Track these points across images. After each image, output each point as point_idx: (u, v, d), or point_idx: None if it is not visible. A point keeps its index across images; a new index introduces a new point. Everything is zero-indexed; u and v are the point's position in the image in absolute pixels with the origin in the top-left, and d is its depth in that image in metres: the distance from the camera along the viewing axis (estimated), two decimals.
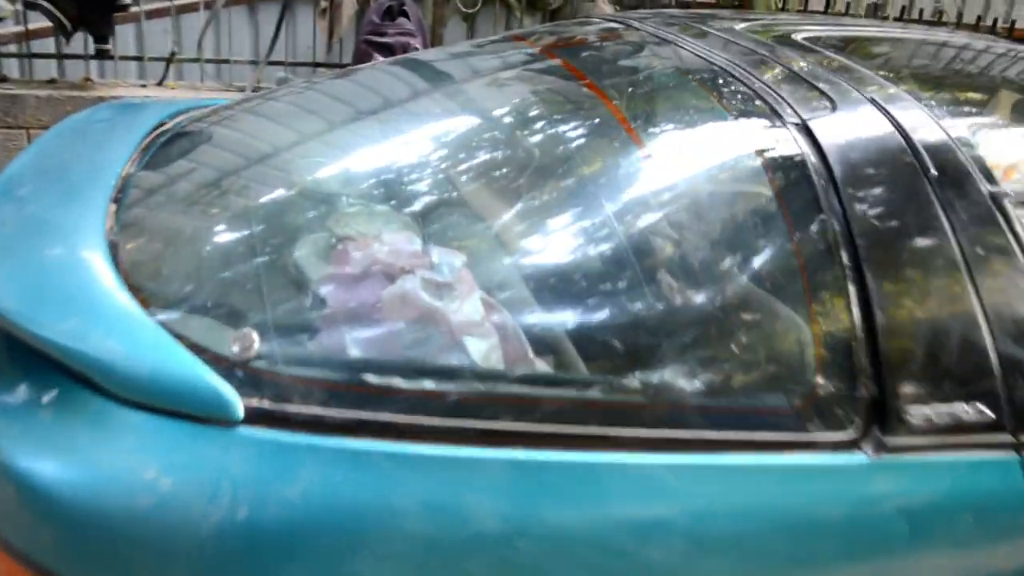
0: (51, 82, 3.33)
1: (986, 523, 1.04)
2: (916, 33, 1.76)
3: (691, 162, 1.13)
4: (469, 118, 1.39)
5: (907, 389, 1.00)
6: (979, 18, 4.18)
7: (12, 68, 3.59)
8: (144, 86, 3.37)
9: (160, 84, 3.40)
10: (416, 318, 0.95)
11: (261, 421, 0.87)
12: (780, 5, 3.42)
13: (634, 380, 0.96)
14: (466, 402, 0.90)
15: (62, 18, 3.16)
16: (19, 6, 3.60)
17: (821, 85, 1.16)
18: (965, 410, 0.99)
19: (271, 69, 3.46)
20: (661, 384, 0.96)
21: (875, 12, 3.92)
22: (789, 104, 1.12)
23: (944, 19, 4.18)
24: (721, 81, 1.21)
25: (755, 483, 0.95)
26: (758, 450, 0.96)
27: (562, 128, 1.23)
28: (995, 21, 4.26)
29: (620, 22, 1.65)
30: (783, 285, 1.04)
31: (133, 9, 3.21)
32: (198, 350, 0.89)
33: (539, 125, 1.27)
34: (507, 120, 1.33)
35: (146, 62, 3.39)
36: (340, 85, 1.61)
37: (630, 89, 1.30)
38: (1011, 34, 4.36)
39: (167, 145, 1.43)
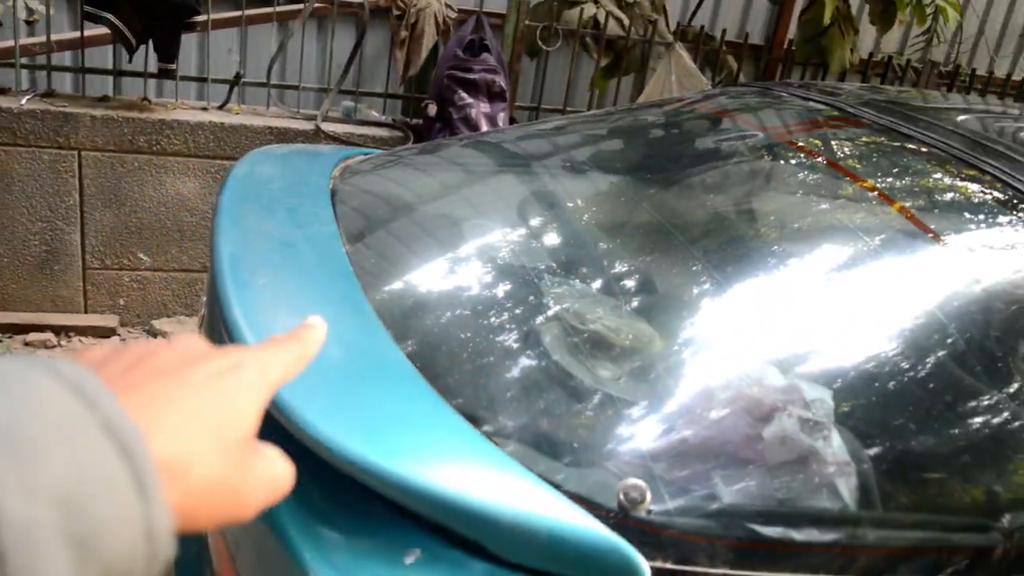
0: (103, 99, 3.15)
1: None
2: None
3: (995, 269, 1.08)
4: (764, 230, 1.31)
5: None
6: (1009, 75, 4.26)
7: (62, 82, 3.40)
8: (205, 109, 3.21)
9: (222, 107, 3.25)
10: (796, 461, 0.87)
11: None
12: (850, 62, 3.43)
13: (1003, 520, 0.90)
14: (861, 553, 0.83)
15: (127, 32, 3.00)
16: (65, 13, 3.41)
17: None
18: None
19: (339, 97, 3.33)
20: None
21: (933, 70, 3.96)
22: None
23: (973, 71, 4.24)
24: (1004, 190, 1.16)
25: None
26: None
27: (859, 239, 1.16)
28: None
29: (821, 101, 1.58)
30: None
31: (199, 18, 3.05)
32: (580, 501, 0.80)
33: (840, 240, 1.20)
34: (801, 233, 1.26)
35: (209, 83, 3.24)
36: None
37: (918, 193, 1.24)
38: None
39: (371, 218, 1.33)
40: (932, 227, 1.15)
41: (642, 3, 3.43)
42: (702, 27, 3.69)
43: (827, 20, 3.05)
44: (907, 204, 1.20)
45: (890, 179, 1.26)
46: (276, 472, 0.41)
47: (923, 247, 1.15)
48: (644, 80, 3.37)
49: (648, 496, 0.81)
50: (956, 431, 0.99)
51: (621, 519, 0.80)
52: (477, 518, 0.75)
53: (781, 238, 1.14)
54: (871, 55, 3.65)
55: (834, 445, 0.90)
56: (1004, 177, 1.20)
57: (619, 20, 3.26)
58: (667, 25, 3.87)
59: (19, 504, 0.26)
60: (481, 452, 0.82)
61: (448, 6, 3.25)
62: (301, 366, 0.45)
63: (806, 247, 1.14)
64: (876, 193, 1.22)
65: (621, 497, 0.81)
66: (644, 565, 0.76)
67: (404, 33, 3.07)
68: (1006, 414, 1.01)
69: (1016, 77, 4.57)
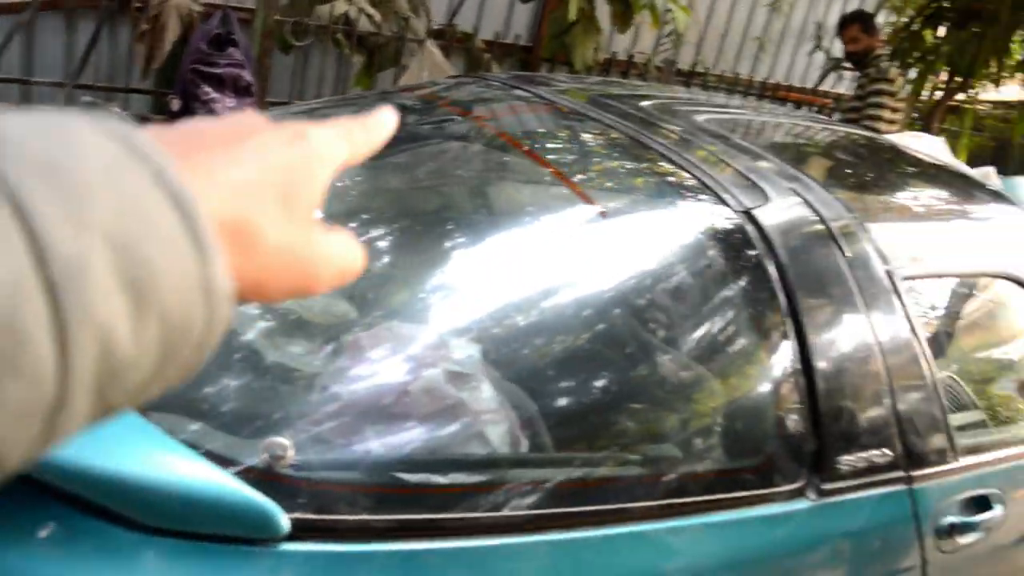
0: None
1: (886, 543, 1.25)
2: (781, 116, 2.02)
3: (658, 249, 1.23)
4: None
5: (838, 442, 1.17)
6: (737, 74, 4.77)
7: None
8: None
9: None
10: (442, 411, 0.95)
11: (307, 534, 0.83)
12: (594, 60, 3.69)
13: (638, 455, 1.04)
14: (503, 491, 0.92)
15: None
16: None
17: (752, 176, 1.31)
18: (875, 455, 1.19)
19: (78, 93, 3.13)
20: (661, 457, 1.04)
21: (670, 68, 4.34)
22: (732, 193, 1.26)
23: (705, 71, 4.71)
24: (668, 165, 1.33)
25: (732, 534, 1.08)
26: (735, 506, 1.08)
27: (537, 219, 1.28)
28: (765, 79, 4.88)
29: (526, 89, 1.72)
30: (753, 360, 1.17)
31: None
32: (226, 464, 0.84)
33: (514, 214, 1.31)
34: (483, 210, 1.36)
35: None
36: None
37: (585, 170, 1.38)
38: (776, 92, 5.02)
39: None
40: (591, 196, 1.29)
41: (398, 2, 3.50)
42: (451, 24, 3.82)
43: (571, 17, 3.26)
44: (574, 178, 1.34)
45: (562, 156, 1.40)
46: (348, 247, 0.38)
47: (582, 216, 1.29)
48: (399, 77, 3.45)
49: (291, 452, 0.86)
50: (596, 384, 1.13)
51: (264, 475, 0.84)
52: (110, 485, 0.77)
53: (447, 210, 1.24)
54: (614, 54, 3.95)
55: (483, 395, 1.00)
56: (668, 154, 1.36)
57: (371, 17, 3.31)
58: (429, 22, 3.97)
59: (68, 237, 0.24)
60: (122, 421, 0.84)
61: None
62: (367, 150, 0.41)
63: (471, 219, 1.24)
64: (549, 168, 1.35)
65: (264, 455, 0.86)
66: (281, 517, 0.81)
67: (145, 26, 2.94)
68: (640, 368, 1.16)
69: (758, 78, 5.11)
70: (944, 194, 1.70)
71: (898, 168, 1.75)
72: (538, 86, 1.73)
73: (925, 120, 4.95)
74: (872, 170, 1.69)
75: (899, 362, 1.25)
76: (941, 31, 4.71)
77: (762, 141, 1.66)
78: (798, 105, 5.19)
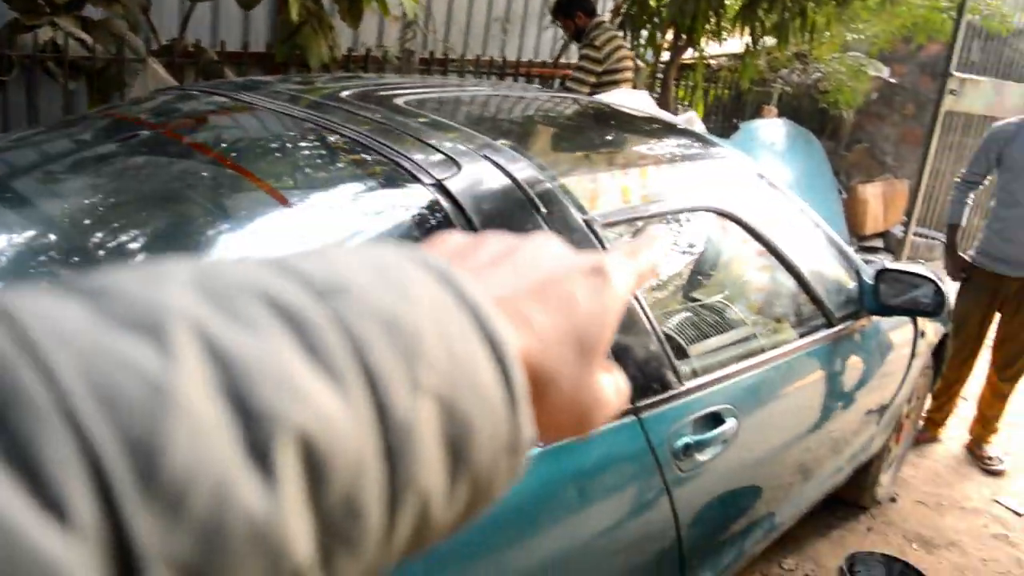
0: None
1: (627, 475, 1.33)
2: (486, 89, 2.07)
3: (345, 226, 1.23)
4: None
5: None
6: (478, 56, 4.91)
7: None
8: None
9: None
10: None
11: None
12: (332, 58, 3.63)
13: None
14: None
15: None
16: None
17: (444, 149, 1.34)
18: None
19: None
20: None
21: (410, 57, 4.36)
22: (423, 168, 1.28)
23: (450, 56, 4.81)
24: (360, 151, 1.32)
25: None
26: None
27: (209, 212, 1.22)
28: (492, 59, 5.04)
29: (223, 94, 1.66)
30: None
31: None
32: None
33: (177, 215, 1.25)
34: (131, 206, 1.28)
35: None
36: None
37: (276, 164, 1.34)
38: (518, 69, 5.20)
39: None
40: (280, 192, 1.26)
41: (112, 22, 3.26)
42: (179, 38, 3.63)
43: (293, 18, 3.19)
44: (260, 175, 1.31)
45: (249, 155, 1.36)
46: (621, 387, 0.35)
47: (267, 213, 1.26)
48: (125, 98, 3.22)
49: None
50: None
51: None
52: None
53: (130, 225, 1.17)
54: (351, 50, 3.91)
55: None
56: (361, 139, 1.35)
57: (81, 41, 3.07)
58: (155, 39, 3.75)
59: (405, 398, 0.24)
60: None
61: None
62: (649, 272, 0.39)
63: (149, 229, 1.18)
64: (233, 168, 1.30)
65: None
66: None
67: None
68: None
69: (509, 59, 5.25)
70: (645, 141, 1.83)
71: (600, 124, 1.86)
72: (240, 90, 1.67)
73: (664, 78, 5.32)
74: (571, 129, 1.78)
75: None
76: None
77: (461, 115, 1.70)
78: (542, 79, 5.40)
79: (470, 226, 1.22)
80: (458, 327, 0.26)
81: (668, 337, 1.52)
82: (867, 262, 2.27)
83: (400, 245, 0.28)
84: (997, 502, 3.23)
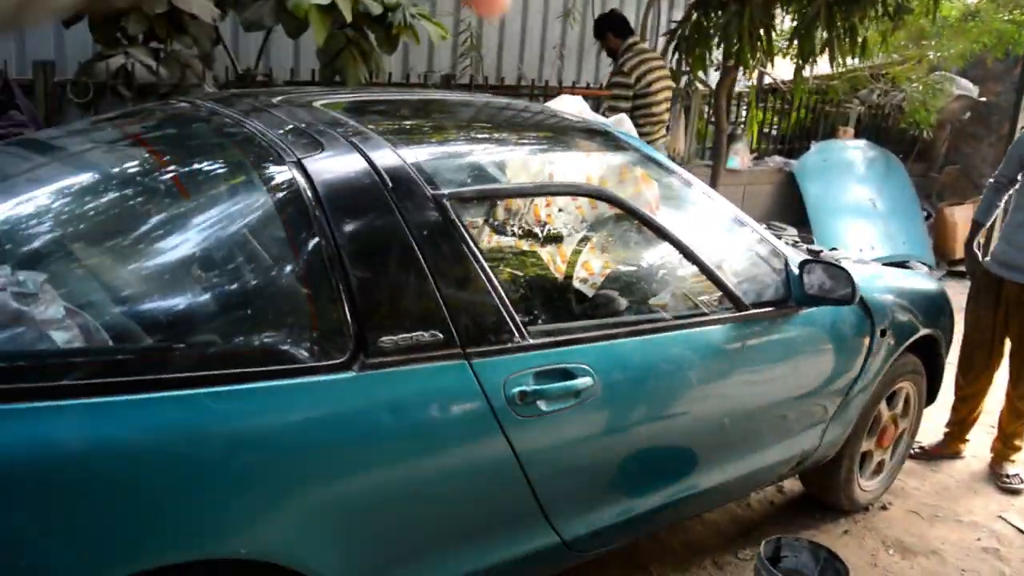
0: None
1: (451, 408, 1.54)
2: (435, 95, 2.37)
3: (222, 195, 1.55)
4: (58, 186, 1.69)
5: (378, 327, 1.47)
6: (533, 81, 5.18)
7: None
8: None
9: None
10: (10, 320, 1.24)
11: None
12: (369, 79, 4.03)
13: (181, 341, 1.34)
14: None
15: None
16: None
17: (314, 134, 1.63)
18: (421, 336, 1.49)
19: None
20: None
21: (449, 83, 4.73)
22: (290, 149, 1.57)
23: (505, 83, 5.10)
24: (244, 137, 1.65)
25: (280, 400, 1.36)
26: (280, 377, 1.36)
27: (127, 186, 1.58)
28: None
29: (189, 102, 2.03)
30: (295, 271, 1.48)
31: None
32: None
33: (114, 186, 1.62)
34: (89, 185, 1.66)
35: None
36: None
37: (184, 152, 1.69)
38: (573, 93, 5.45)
39: None
40: (180, 178, 1.60)
41: (179, 52, 3.78)
42: (257, 66, 4.14)
43: (320, 44, 3.57)
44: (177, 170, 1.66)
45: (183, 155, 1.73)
46: None
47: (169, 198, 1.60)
48: None
49: None
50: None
51: None
52: None
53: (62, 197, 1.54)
54: (390, 74, 4.30)
55: (48, 310, 1.27)
56: (256, 134, 1.66)
57: (148, 67, 3.59)
58: (234, 68, 4.27)
59: None
60: None
61: None
62: None
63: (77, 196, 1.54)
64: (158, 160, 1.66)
65: None
66: None
67: None
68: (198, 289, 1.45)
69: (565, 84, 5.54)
70: (534, 135, 2.06)
71: (496, 120, 2.11)
72: (212, 100, 2.03)
73: (715, 100, 5.42)
74: (464, 125, 2.04)
75: (444, 262, 1.57)
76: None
77: (363, 114, 1.99)
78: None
79: (315, 192, 1.50)
80: None
81: (523, 298, 1.74)
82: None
83: None
84: (1002, 518, 3.14)
